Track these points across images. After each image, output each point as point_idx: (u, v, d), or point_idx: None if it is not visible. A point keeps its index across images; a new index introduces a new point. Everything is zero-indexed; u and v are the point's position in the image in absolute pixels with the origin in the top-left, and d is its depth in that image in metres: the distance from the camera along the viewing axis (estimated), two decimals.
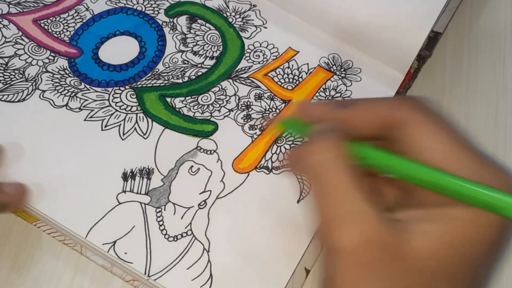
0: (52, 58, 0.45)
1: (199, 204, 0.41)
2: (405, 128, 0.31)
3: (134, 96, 0.44)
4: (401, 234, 0.29)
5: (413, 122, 0.31)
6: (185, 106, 0.44)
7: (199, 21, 0.48)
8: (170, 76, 0.45)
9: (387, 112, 0.32)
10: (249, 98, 0.45)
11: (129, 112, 0.44)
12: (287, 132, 0.39)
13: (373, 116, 0.33)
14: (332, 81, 0.46)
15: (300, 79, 0.46)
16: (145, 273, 0.38)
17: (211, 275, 0.39)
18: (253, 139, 0.43)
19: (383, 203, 0.35)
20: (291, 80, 0.46)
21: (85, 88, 0.44)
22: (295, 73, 0.46)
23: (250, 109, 0.44)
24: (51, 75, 0.45)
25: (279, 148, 0.43)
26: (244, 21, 0.48)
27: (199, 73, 0.46)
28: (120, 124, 0.43)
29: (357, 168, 0.31)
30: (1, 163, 0.40)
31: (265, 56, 0.47)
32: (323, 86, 0.46)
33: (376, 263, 0.29)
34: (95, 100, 0.44)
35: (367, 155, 0.33)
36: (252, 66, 0.46)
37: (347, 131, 0.33)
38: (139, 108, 0.44)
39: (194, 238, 0.40)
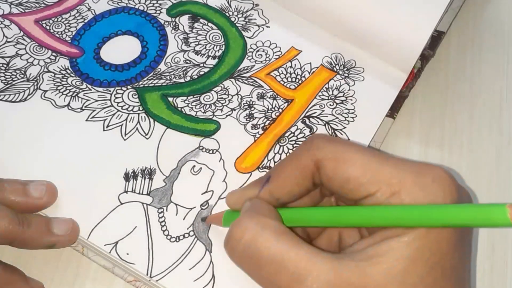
0: (53, 58, 0.45)
1: (201, 205, 0.41)
2: (325, 168, 0.32)
3: (136, 96, 0.44)
4: (357, 265, 0.29)
5: (328, 158, 0.32)
6: (187, 106, 0.44)
7: (201, 20, 0.48)
8: (172, 76, 0.45)
9: (302, 163, 0.33)
10: (252, 97, 0.45)
11: (131, 112, 0.44)
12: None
13: (293, 176, 0.33)
14: (335, 81, 0.46)
15: (303, 79, 0.46)
16: (147, 274, 0.38)
17: (213, 275, 0.38)
18: (256, 139, 0.43)
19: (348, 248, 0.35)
20: (293, 79, 0.46)
21: (87, 88, 0.44)
22: (297, 72, 0.46)
23: (252, 109, 0.44)
24: (53, 75, 0.45)
25: (281, 147, 0.43)
26: (247, 20, 0.48)
27: (201, 73, 0.45)
28: (122, 124, 0.43)
29: (286, 229, 0.31)
30: (53, 200, 0.40)
31: (267, 55, 0.46)
32: (326, 86, 0.46)
33: None
34: (97, 100, 0.44)
35: (293, 217, 0.34)
36: (254, 65, 0.46)
37: (279, 200, 0.34)
38: (141, 108, 0.44)
39: (196, 239, 0.39)
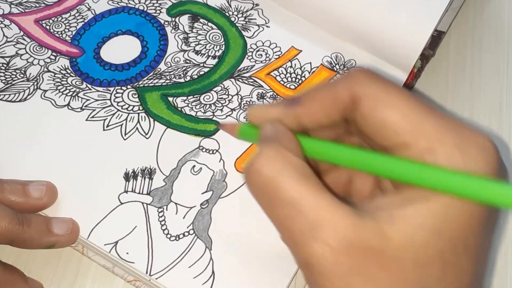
0: (53, 57, 0.45)
1: (201, 204, 0.40)
2: (362, 105, 0.29)
3: (136, 96, 0.44)
4: (378, 226, 0.27)
5: (368, 96, 0.29)
6: (187, 106, 0.44)
7: (201, 20, 0.48)
8: (172, 76, 0.45)
9: (338, 94, 0.30)
10: (252, 97, 0.45)
11: (131, 111, 0.43)
12: (244, 140, 0.37)
13: (325, 104, 0.30)
14: None
15: (303, 79, 0.46)
16: (146, 272, 0.38)
17: (213, 272, 0.38)
18: None
19: (358, 194, 0.33)
20: (293, 79, 0.46)
21: (87, 88, 0.44)
22: (297, 72, 0.46)
23: None
24: (53, 74, 0.45)
25: None
26: (247, 20, 0.48)
27: (201, 73, 0.45)
28: (122, 123, 0.43)
29: (310, 172, 0.29)
30: (53, 200, 0.40)
31: (267, 55, 0.46)
32: None
33: (361, 267, 0.27)
34: (97, 100, 0.44)
35: (316, 150, 0.31)
36: (254, 65, 0.46)
37: (303, 126, 0.31)
38: (141, 108, 0.44)
39: (196, 237, 0.39)
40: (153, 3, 0.48)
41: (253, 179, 0.29)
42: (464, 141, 0.27)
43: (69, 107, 0.43)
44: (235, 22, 0.48)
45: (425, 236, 0.27)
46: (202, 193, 0.41)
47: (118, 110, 0.44)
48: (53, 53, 0.45)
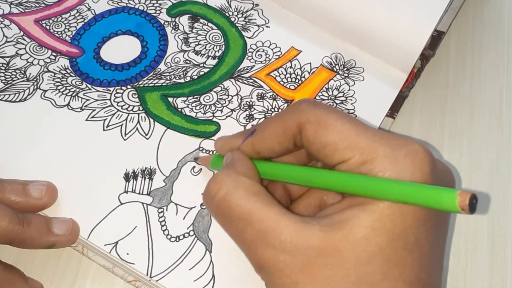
0: (53, 57, 0.45)
1: (201, 205, 0.41)
2: (306, 130, 0.32)
3: (136, 96, 0.44)
4: (320, 228, 0.30)
5: (310, 121, 0.32)
6: (187, 106, 0.44)
7: (201, 20, 0.48)
8: (172, 76, 0.45)
9: (286, 123, 0.34)
10: (252, 98, 0.45)
11: (131, 112, 0.43)
12: (216, 170, 0.41)
13: (276, 133, 0.34)
14: (335, 81, 0.46)
15: (303, 79, 0.46)
16: (147, 274, 0.38)
17: (213, 275, 0.38)
18: None
19: (317, 208, 0.36)
20: (293, 79, 0.46)
21: (87, 88, 0.44)
22: (297, 72, 0.46)
23: (252, 109, 0.44)
24: (53, 74, 0.45)
25: None
26: (247, 20, 0.48)
27: (201, 73, 0.45)
28: (122, 124, 0.43)
29: (259, 189, 0.33)
30: (53, 200, 0.40)
31: (267, 55, 0.46)
32: (326, 86, 0.45)
33: (305, 265, 0.30)
34: (97, 100, 0.44)
35: (271, 171, 0.35)
36: (254, 65, 0.46)
37: (260, 154, 0.35)
38: (141, 108, 0.44)
39: (196, 238, 0.39)
40: (153, 3, 0.48)
41: (209, 201, 0.33)
42: (395, 150, 0.30)
43: (69, 107, 0.43)
44: (235, 22, 0.48)
45: (363, 234, 0.29)
46: (202, 194, 0.41)
47: (118, 110, 0.44)
48: (53, 53, 0.45)
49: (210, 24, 0.48)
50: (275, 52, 0.47)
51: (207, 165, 0.41)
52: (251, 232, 0.31)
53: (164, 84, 0.45)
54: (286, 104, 0.45)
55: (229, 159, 0.36)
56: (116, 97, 0.44)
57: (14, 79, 0.44)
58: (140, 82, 0.45)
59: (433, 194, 0.28)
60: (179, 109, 0.44)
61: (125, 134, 0.43)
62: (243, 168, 0.34)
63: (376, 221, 0.29)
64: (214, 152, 0.41)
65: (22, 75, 0.44)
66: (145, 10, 0.48)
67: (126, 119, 0.43)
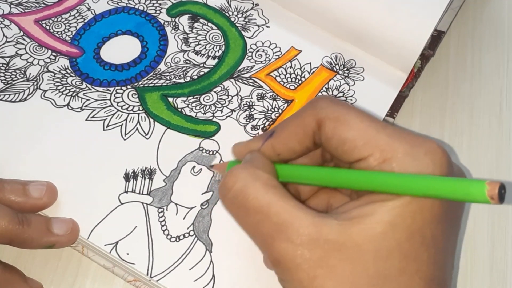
0: (53, 57, 0.45)
1: (201, 205, 0.41)
2: (325, 127, 0.32)
3: (136, 96, 0.44)
4: (338, 223, 0.30)
5: (329, 118, 0.32)
6: (187, 106, 0.44)
7: (201, 20, 0.48)
8: (172, 76, 0.45)
9: (305, 121, 0.33)
10: (252, 98, 0.45)
11: (131, 112, 0.43)
12: None
13: (296, 132, 0.34)
14: (335, 81, 0.46)
15: (303, 79, 0.46)
16: (147, 274, 0.38)
17: (213, 275, 0.38)
18: None
19: (330, 208, 0.36)
20: (293, 79, 0.46)
21: (87, 88, 0.44)
22: (297, 72, 0.46)
23: (252, 109, 0.44)
24: (53, 74, 0.45)
25: None
26: (246, 20, 0.48)
27: (201, 73, 0.45)
28: (122, 124, 0.43)
29: (276, 183, 0.32)
30: (53, 200, 0.40)
31: (267, 55, 0.46)
32: (326, 86, 0.46)
33: (324, 260, 0.30)
34: (97, 100, 0.44)
35: (290, 173, 0.35)
36: (254, 65, 0.46)
37: (280, 155, 0.35)
38: (141, 108, 0.44)
39: (196, 238, 0.39)
40: (153, 3, 0.48)
41: (225, 194, 0.33)
42: (414, 148, 0.30)
43: (69, 107, 0.43)
44: (235, 22, 0.48)
45: (382, 229, 0.29)
46: (202, 194, 0.41)
47: (118, 110, 0.44)
48: (53, 53, 0.45)
49: (210, 24, 0.48)
50: (275, 52, 0.47)
51: (222, 173, 0.40)
52: (268, 226, 0.31)
53: (164, 84, 0.45)
54: (286, 104, 0.45)
55: (247, 158, 0.36)
56: (116, 97, 0.44)
57: (14, 79, 0.44)
58: (140, 82, 0.45)
59: (462, 186, 0.28)
60: (179, 109, 0.44)
61: (125, 134, 0.43)
62: (262, 164, 0.34)
63: (396, 216, 0.29)
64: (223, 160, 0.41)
65: (22, 75, 0.44)
66: (145, 10, 0.48)
67: (126, 119, 0.43)
